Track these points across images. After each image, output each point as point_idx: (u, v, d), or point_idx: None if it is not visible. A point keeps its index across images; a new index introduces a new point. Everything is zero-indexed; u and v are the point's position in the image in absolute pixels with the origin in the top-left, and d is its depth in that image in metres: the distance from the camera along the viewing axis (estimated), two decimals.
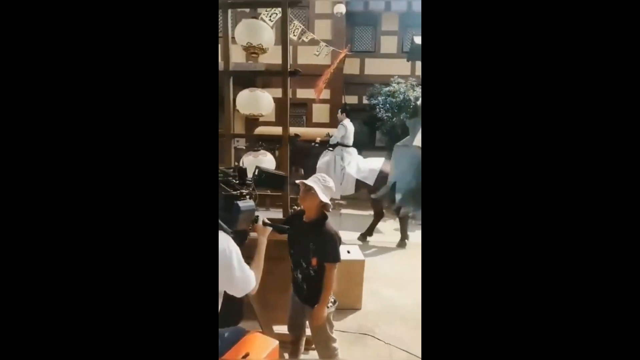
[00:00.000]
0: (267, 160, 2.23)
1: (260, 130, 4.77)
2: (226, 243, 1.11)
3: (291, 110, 2.27)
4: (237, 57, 2.82)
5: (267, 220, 1.38)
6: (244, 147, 4.43)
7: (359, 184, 4.04)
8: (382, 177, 3.93)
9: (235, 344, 1.20)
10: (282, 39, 2.03)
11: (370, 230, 4.09)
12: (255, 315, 1.54)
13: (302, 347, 1.81)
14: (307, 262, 1.52)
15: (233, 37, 2.05)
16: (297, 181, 1.59)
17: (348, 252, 2.67)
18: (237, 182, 1.33)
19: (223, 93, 2.17)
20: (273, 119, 6.26)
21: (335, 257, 1.49)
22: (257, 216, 1.35)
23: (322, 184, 1.50)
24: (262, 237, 1.35)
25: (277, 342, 1.29)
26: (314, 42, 4.41)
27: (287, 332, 1.82)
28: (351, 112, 7.04)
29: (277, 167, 2.44)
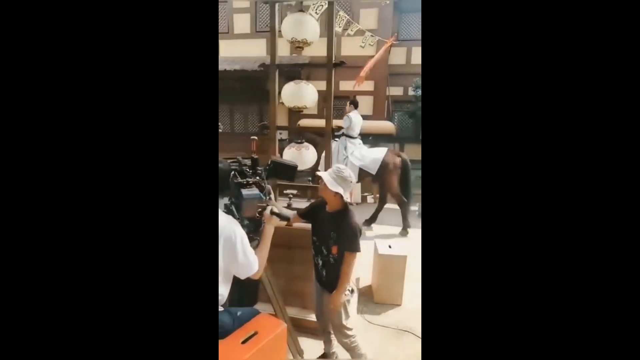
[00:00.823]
0: (309, 153, 2.26)
1: (302, 122, 4.84)
2: (232, 228, 1.16)
3: (334, 103, 2.26)
4: (282, 50, 2.86)
5: (275, 210, 1.41)
6: (287, 139, 4.52)
7: (362, 173, 4.01)
8: (384, 166, 3.89)
9: (246, 323, 1.27)
10: (328, 31, 2.02)
11: (374, 218, 4.12)
12: (270, 299, 1.60)
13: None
14: (328, 250, 1.58)
15: (280, 31, 2.08)
16: (316, 173, 1.62)
17: (390, 246, 2.63)
18: (251, 171, 1.39)
19: (268, 86, 2.23)
20: (315, 112, 6.32)
21: (355, 247, 1.52)
22: (266, 205, 1.39)
23: (335, 175, 1.52)
24: (269, 225, 1.37)
25: (285, 324, 1.34)
26: (359, 33, 4.33)
27: (305, 318, 1.90)
28: (395, 103, 6.90)
29: (318, 160, 2.47)
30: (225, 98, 7.46)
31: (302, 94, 2.08)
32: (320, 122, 2.21)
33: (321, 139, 4.56)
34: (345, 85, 6.40)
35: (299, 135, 2.57)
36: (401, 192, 3.98)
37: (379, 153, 4.01)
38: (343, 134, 4.21)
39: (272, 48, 2.12)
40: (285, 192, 2.48)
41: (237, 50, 7.13)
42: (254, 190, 1.32)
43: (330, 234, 1.56)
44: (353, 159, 4.02)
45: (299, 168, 2.26)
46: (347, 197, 1.53)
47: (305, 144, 2.28)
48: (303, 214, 1.69)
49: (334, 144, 4.29)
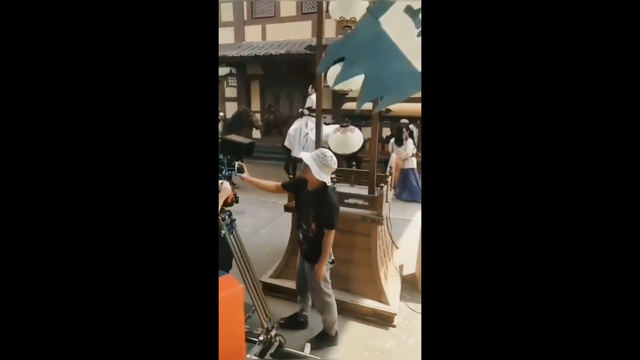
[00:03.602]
0: (354, 136, 2.22)
1: (347, 106, 4.79)
2: None
3: None
4: (328, 31, 2.78)
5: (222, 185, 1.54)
6: (331, 123, 4.58)
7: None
8: None
9: None
10: None
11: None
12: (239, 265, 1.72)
13: (309, 300, 1.99)
14: (307, 226, 1.73)
15: (327, 11, 2.03)
16: (300, 154, 1.73)
17: None
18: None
19: (314, 69, 2.20)
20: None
21: (331, 225, 1.65)
22: (221, 183, 1.51)
23: (320, 162, 1.60)
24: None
25: (242, 285, 1.46)
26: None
27: (354, 302, 2.06)
28: None
29: (365, 143, 2.42)
30: (271, 82, 7.60)
31: None
32: (366, 105, 2.14)
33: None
34: None
35: (343, 118, 2.53)
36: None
37: (330, 128, 4.21)
38: (307, 113, 4.74)
39: (318, 29, 2.08)
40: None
41: (283, 33, 7.15)
42: None
43: (309, 211, 1.70)
44: (312, 134, 4.55)
45: (345, 152, 2.25)
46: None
47: (351, 127, 2.24)
48: (286, 186, 1.83)
49: (298, 122, 4.85)
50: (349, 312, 2.09)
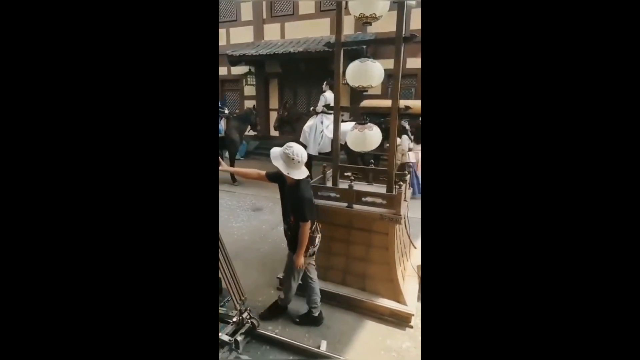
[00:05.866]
0: (372, 134, 2.20)
1: (366, 103, 4.73)
2: None
3: (401, 82, 2.13)
4: (346, 28, 2.75)
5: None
6: (348, 120, 4.55)
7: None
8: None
9: None
10: (398, 2, 1.89)
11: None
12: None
13: (317, 295, 2.05)
14: (289, 218, 1.87)
15: (346, 8, 2.01)
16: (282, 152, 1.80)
17: None
18: None
19: (332, 66, 2.19)
20: (379, 92, 6.05)
21: (304, 218, 1.76)
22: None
23: (282, 151, 1.72)
24: None
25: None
26: None
27: (363, 300, 2.11)
28: None
29: (383, 141, 2.38)
30: (290, 80, 7.63)
31: (368, 73, 1.99)
32: (385, 102, 2.11)
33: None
34: (413, 63, 6.02)
35: (362, 116, 2.51)
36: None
37: (348, 126, 4.12)
38: (322, 111, 4.76)
39: (337, 25, 2.06)
40: (345, 174, 2.47)
41: (302, 31, 7.15)
42: None
43: (288, 204, 1.84)
44: (327, 132, 4.61)
45: (363, 150, 2.23)
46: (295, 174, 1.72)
47: (369, 124, 2.21)
48: (270, 176, 1.91)
49: (313, 119, 4.88)
50: (365, 310, 2.08)
